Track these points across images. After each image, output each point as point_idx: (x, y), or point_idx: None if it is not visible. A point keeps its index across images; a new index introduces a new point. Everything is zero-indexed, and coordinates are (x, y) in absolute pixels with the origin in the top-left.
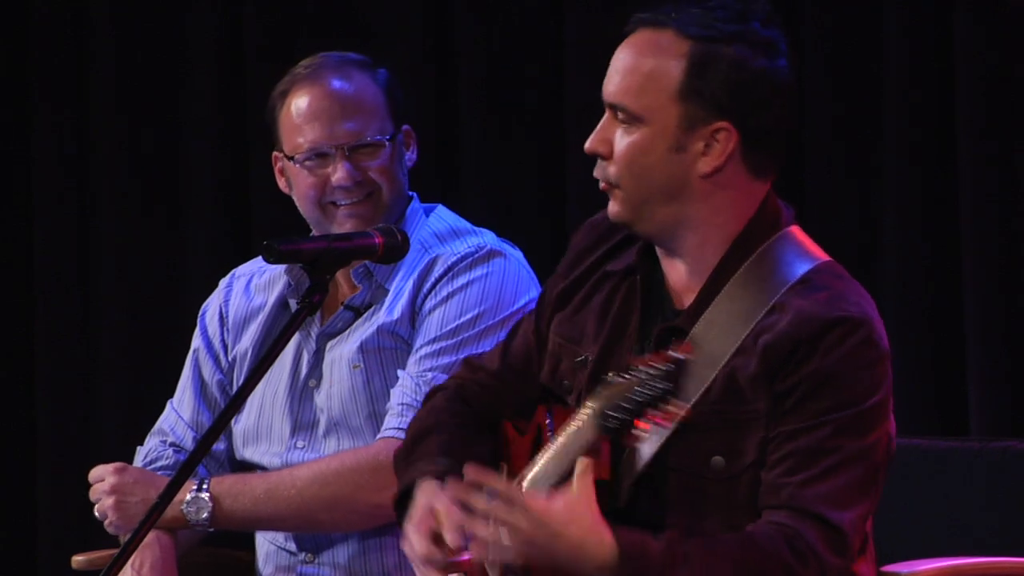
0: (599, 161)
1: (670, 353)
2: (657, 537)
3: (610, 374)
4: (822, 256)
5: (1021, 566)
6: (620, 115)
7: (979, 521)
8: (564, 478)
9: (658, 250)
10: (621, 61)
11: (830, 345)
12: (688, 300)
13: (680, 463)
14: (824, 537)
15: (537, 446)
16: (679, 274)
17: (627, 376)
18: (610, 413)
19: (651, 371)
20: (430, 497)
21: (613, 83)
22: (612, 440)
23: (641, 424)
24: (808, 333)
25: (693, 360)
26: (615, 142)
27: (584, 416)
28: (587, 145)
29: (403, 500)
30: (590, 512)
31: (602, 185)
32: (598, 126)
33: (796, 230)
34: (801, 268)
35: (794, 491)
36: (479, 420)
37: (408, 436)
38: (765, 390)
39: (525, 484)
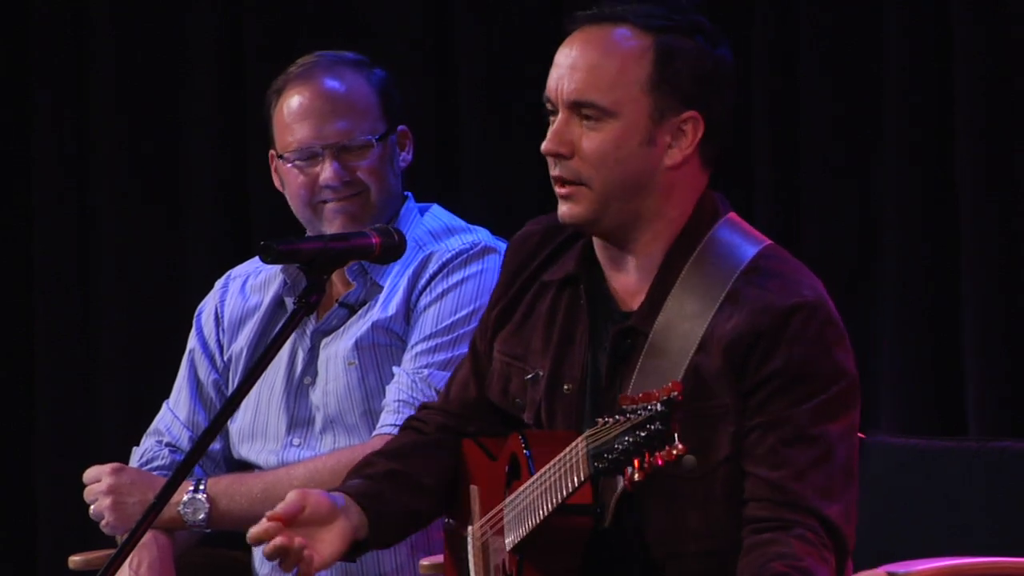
0: (559, 161)
1: (660, 393)
2: None
3: (601, 418)
4: (764, 240)
5: (1020, 566)
6: (586, 111)
7: (978, 521)
8: (553, 513)
9: (602, 253)
10: (580, 58)
11: (793, 335)
12: (636, 301)
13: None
14: (821, 529)
15: (513, 475)
16: (625, 275)
17: (619, 417)
18: (604, 455)
19: (643, 412)
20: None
21: (575, 81)
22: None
23: (638, 465)
24: (768, 324)
25: (682, 400)
26: (578, 141)
27: (574, 455)
28: (545, 146)
29: None
30: None
31: (563, 188)
32: (554, 127)
33: (734, 216)
34: (746, 253)
35: (789, 485)
36: (429, 447)
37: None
38: (731, 384)
39: (507, 516)
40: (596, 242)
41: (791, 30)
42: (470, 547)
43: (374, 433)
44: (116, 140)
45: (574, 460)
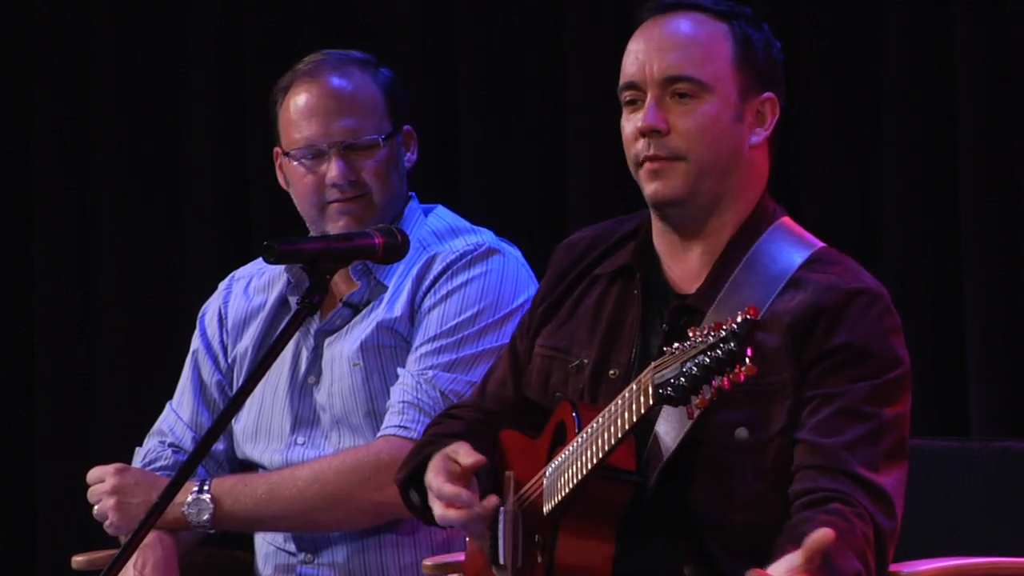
0: (652, 139)
1: (736, 317)
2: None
3: (668, 347)
4: (819, 243)
5: (1021, 566)
6: (682, 86)
7: (979, 521)
8: (604, 458)
9: (663, 241)
10: (668, 39)
11: (856, 315)
12: (693, 286)
13: (704, 437)
14: (873, 501)
15: (559, 443)
16: (687, 261)
17: (688, 344)
18: (671, 380)
19: (717, 335)
20: (445, 450)
21: (668, 59)
22: (646, 426)
23: (707, 390)
24: (831, 302)
25: (758, 322)
26: (674, 119)
27: (637, 387)
28: (646, 122)
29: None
30: None
31: (656, 164)
32: (648, 104)
33: (790, 220)
34: (806, 250)
35: (839, 453)
36: (473, 434)
37: (407, 456)
38: (790, 359)
39: (547, 481)
40: (657, 229)
41: (791, 30)
42: (501, 523)
43: (379, 434)
44: (116, 140)
45: (636, 394)
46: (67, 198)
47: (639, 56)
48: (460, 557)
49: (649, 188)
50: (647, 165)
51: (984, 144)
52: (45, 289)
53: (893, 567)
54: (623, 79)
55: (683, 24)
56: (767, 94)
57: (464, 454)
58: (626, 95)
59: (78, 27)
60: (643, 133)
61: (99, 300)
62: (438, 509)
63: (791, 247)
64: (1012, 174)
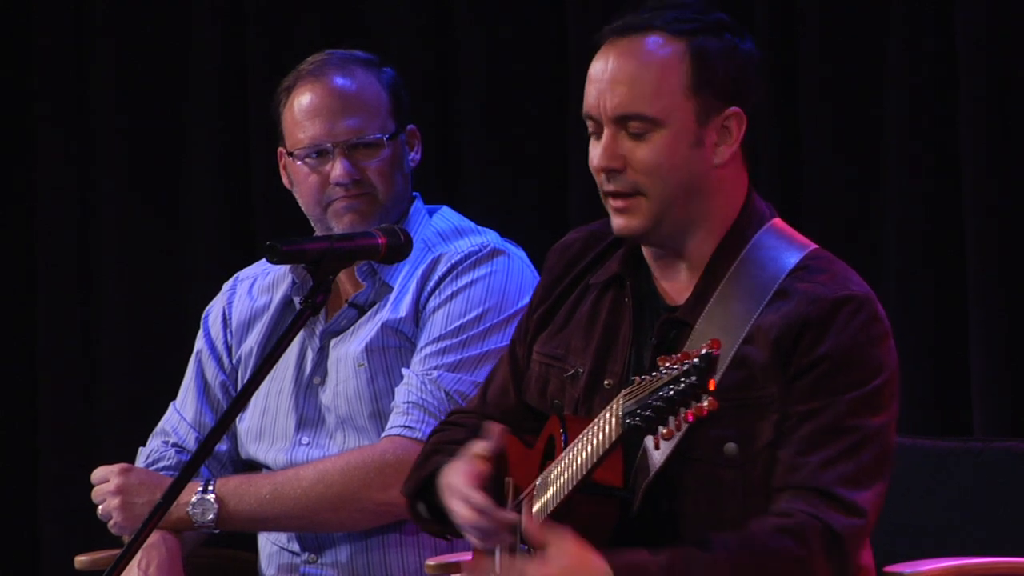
0: (610, 175)
1: (699, 349)
2: (655, 552)
3: (638, 376)
4: (810, 244)
5: (1021, 566)
6: (633, 125)
7: (980, 521)
8: (582, 485)
9: (650, 255)
10: (619, 71)
11: (841, 324)
12: (683, 297)
13: (693, 454)
14: (845, 516)
15: (549, 456)
16: (674, 275)
17: (654, 375)
18: (637, 412)
19: (680, 368)
20: (459, 461)
21: (618, 95)
22: (635, 440)
23: (671, 421)
24: (817, 313)
25: (718, 355)
26: (629, 154)
27: (609, 414)
28: (599, 163)
29: (421, 499)
30: (575, 547)
31: (618, 202)
32: (603, 143)
33: (780, 222)
34: (794, 255)
35: (814, 471)
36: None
37: (413, 467)
38: (777, 373)
39: (536, 494)
40: (642, 243)
41: (790, 29)
42: None
43: (383, 434)
44: (117, 141)
45: (608, 418)
46: (67, 198)
47: (595, 87)
48: (463, 557)
49: (614, 224)
50: (610, 201)
51: (984, 145)
52: (47, 290)
53: (893, 567)
54: (584, 108)
55: (638, 51)
56: (730, 109)
57: (482, 447)
58: (588, 124)
59: (80, 28)
60: (600, 170)
61: (100, 301)
62: (456, 506)
63: (780, 253)
64: (1014, 175)
